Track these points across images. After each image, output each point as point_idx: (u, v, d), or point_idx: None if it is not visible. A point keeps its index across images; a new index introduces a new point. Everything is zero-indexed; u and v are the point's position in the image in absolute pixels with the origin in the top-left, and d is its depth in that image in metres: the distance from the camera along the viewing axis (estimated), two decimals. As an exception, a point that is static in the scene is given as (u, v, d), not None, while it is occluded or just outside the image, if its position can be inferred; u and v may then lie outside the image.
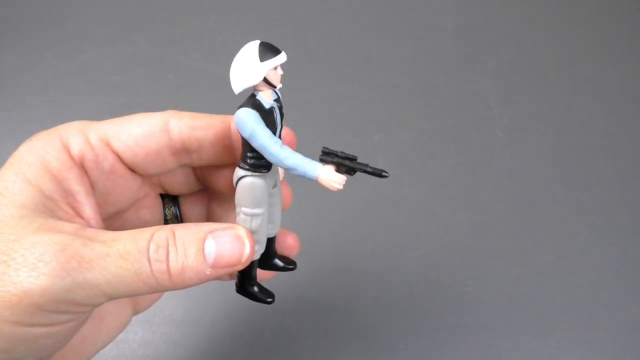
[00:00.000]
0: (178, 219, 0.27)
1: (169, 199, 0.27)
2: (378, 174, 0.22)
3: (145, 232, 0.20)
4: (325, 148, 0.22)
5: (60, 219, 0.20)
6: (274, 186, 0.24)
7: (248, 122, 0.20)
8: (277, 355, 0.39)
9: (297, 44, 0.54)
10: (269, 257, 0.26)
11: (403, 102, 0.51)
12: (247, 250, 0.21)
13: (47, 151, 0.21)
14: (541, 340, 0.39)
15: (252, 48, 0.21)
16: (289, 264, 0.27)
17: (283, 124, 0.23)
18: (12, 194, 0.19)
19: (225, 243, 0.20)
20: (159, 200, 0.26)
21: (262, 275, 0.27)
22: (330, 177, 0.21)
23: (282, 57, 0.21)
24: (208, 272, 0.20)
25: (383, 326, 0.40)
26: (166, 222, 0.26)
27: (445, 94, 0.51)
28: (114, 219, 0.25)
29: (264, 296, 0.24)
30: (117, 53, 0.54)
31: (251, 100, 0.21)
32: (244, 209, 0.22)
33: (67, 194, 0.21)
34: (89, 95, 0.51)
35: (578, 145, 0.48)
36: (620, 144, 0.48)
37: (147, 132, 0.22)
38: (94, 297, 0.19)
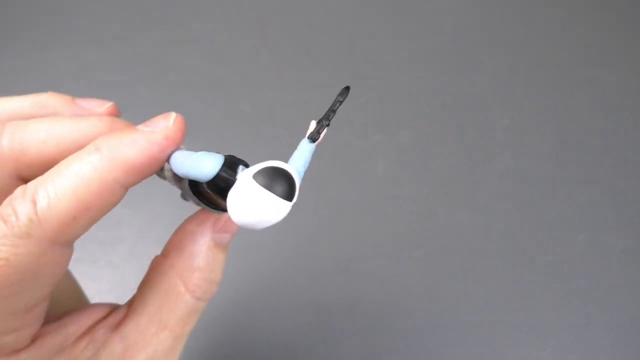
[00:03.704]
0: None
1: None
2: (344, 95, 0.20)
3: None
4: (311, 135, 0.19)
5: None
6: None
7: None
8: (277, 355, 0.39)
9: (296, 43, 0.54)
10: None
11: (403, 102, 0.51)
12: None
13: None
14: (541, 340, 0.39)
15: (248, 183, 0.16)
16: None
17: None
18: None
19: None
20: None
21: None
22: (321, 138, 0.20)
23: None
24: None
25: (383, 326, 0.40)
26: None
27: (445, 94, 0.51)
28: None
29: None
30: (117, 53, 0.54)
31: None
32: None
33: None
34: (89, 95, 0.51)
35: (578, 145, 0.48)
36: (620, 144, 0.48)
37: None
38: None
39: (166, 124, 0.17)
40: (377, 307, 0.40)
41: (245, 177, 0.16)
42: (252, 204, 0.15)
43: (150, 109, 0.50)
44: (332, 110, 0.20)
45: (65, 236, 0.15)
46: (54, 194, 0.15)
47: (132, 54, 0.54)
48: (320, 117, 0.20)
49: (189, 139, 0.53)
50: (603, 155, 0.48)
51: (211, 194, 0.17)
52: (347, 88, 0.20)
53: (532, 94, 0.52)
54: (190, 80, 0.52)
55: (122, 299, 0.43)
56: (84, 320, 0.19)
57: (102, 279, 0.41)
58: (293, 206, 0.17)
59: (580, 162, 0.47)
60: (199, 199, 0.19)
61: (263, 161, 0.17)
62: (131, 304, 0.19)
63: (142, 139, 0.16)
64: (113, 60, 0.53)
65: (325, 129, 0.20)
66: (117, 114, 0.21)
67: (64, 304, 0.22)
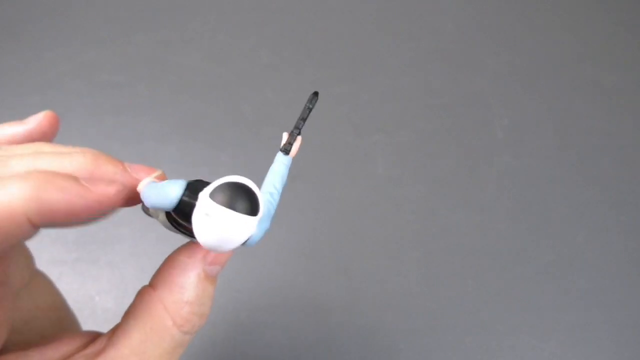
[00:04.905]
0: None
1: None
2: (313, 101, 0.20)
3: None
4: (284, 147, 0.20)
5: None
6: None
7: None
8: (278, 355, 0.39)
9: (296, 44, 0.54)
10: None
11: (403, 102, 0.51)
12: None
13: None
14: (541, 340, 0.39)
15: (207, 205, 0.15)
16: None
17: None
18: None
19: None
20: None
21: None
22: (295, 149, 0.20)
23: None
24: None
25: (383, 326, 0.40)
26: None
27: (445, 94, 0.51)
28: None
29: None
30: (117, 53, 0.54)
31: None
32: None
33: None
34: (89, 95, 0.51)
35: (578, 145, 0.48)
36: (620, 144, 0.48)
37: None
38: None
39: (105, 191, 0.16)
40: (377, 307, 0.40)
41: (203, 198, 0.15)
42: (213, 224, 0.15)
43: (150, 109, 0.50)
44: (302, 119, 0.20)
45: None
46: None
47: (132, 54, 0.54)
48: (292, 127, 0.20)
49: (190, 140, 0.53)
50: (603, 155, 0.48)
51: (184, 223, 0.16)
52: (316, 94, 0.20)
53: (532, 94, 0.52)
54: (190, 80, 0.52)
55: (122, 299, 0.43)
56: (56, 349, 0.18)
57: (102, 279, 0.41)
58: (268, 224, 0.16)
59: (580, 162, 0.47)
60: (180, 232, 0.18)
61: (230, 175, 0.16)
62: (113, 334, 0.18)
63: (74, 190, 0.15)
64: (113, 60, 0.53)
65: (299, 140, 0.20)
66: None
67: (41, 329, 0.21)
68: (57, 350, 0.18)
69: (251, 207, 0.15)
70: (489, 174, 0.47)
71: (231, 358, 0.38)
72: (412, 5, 0.58)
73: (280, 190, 0.18)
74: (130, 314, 0.18)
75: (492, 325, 0.40)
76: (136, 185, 0.17)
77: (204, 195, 0.15)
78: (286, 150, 0.19)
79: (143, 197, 0.17)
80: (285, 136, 0.20)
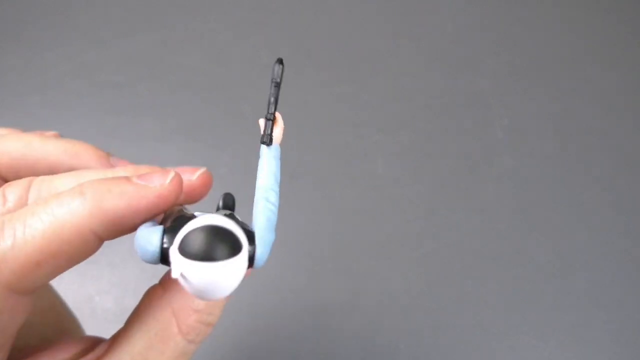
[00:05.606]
0: None
1: None
2: (279, 73, 0.16)
3: None
4: (262, 139, 0.17)
5: None
6: None
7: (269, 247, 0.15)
8: (278, 355, 0.39)
9: (297, 43, 0.54)
10: None
11: (403, 102, 0.51)
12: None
13: None
14: (541, 340, 0.39)
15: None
16: None
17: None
18: None
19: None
20: None
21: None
22: (278, 135, 0.17)
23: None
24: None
25: (383, 326, 0.40)
26: None
27: (445, 94, 0.51)
28: None
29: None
30: (117, 53, 0.54)
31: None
32: None
33: None
34: (89, 95, 0.51)
35: (578, 145, 0.48)
36: (620, 144, 0.48)
37: None
38: None
39: (162, 182, 0.15)
40: (377, 307, 0.40)
41: (174, 254, 0.13)
42: (194, 282, 0.12)
43: (150, 109, 0.50)
44: (271, 101, 0.17)
45: (24, 283, 0.13)
46: (21, 234, 0.13)
47: (132, 54, 0.54)
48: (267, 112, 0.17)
49: (190, 140, 0.53)
50: (603, 155, 0.48)
51: None
52: (280, 61, 0.17)
53: (532, 94, 0.52)
54: (190, 80, 0.52)
55: (122, 299, 0.43)
56: (52, 357, 0.17)
57: (102, 279, 0.41)
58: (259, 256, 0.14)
59: (580, 162, 0.47)
60: None
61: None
62: (115, 340, 0.17)
63: (133, 191, 0.15)
64: (113, 60, 0.53)
65: (280, 123, 0.17)
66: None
67: (39, 332, 0.20)
68: (52, 358, 0.17)
69: (232, 246, 0.13)
70: (489, 174, 0.47)
71: (230, 358, 0.38)
72: (412, 5, 0.58)
73: (277, 191, 0.16)
74: (135, 316, 0.17)
75: (492, 325, 0.40)
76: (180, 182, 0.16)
77: (174, 249, 0.13)
78: (265, 142, 0.17)
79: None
80: (261, 123, 0.17)
